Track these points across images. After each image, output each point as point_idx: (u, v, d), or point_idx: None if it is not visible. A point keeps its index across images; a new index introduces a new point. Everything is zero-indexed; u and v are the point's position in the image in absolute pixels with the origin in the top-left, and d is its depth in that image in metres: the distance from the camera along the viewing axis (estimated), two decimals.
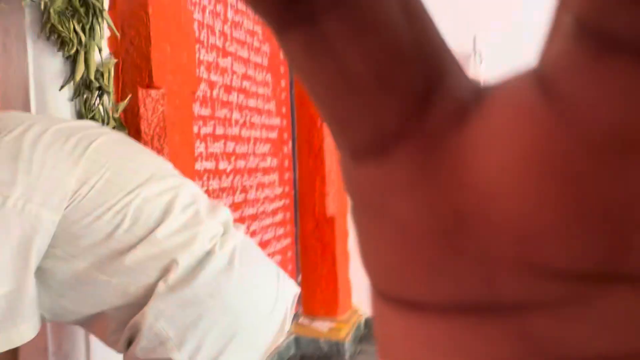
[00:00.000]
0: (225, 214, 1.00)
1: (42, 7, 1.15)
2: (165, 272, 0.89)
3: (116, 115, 1.32)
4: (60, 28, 1.16)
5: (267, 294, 1.04)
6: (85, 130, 0.93)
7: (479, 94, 0.10)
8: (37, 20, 1.18)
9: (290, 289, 1.09)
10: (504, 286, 0.09)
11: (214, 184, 1.93)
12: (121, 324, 0.93)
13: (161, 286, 0.88)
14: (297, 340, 2.85)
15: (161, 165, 1.00)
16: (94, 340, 1.29)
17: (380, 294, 0.11)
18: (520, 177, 0.09)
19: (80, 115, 1.25)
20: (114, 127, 1.29)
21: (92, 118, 1.25)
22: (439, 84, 0.10)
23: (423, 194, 0.10)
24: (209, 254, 0.92)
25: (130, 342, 0.92)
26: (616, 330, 0.09)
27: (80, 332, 1.27)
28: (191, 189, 0.98)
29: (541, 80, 0.09)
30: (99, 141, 0.89)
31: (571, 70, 0.08)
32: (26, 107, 1.20)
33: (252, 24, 2.28)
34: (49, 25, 1.16)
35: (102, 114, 1.27)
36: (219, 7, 1.96)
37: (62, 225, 0.85)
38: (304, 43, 0.10)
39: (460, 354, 0.10)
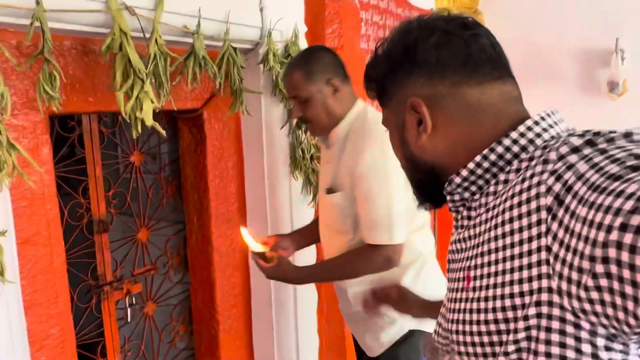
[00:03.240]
0: None
1: (273, 75, 1.70)
2: None
3: (313, 142, 1.86)
4: (284, 91, 1.70)
5: None
6: None
7: None
8: (268, 83, 1.74)
9: None
10: None
11: None
12: None
13: None
14: None
15: None
16: (300, 295, 1.91)
17: None
18: None
19: (293, 146, 1.81)
20: (312, 153, 1.84)
21: (300, 146, 1.81)
22: None
23: None
24: None
25: None
26: None
27: (291, 289, 1.89)
28: None
29: None
30: None
31: None
32: (260, 140, 1.79)
33: None
34: (277, 88, 1.71)
35: (306, 143, 1.82)
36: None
37: None
38: None
39: None
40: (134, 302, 1.72)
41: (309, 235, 1.66)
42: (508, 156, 0.61)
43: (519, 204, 0.54)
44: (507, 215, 0.56)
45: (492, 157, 0.61)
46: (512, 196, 0.56)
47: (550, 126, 0.61)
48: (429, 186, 0.71)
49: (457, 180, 0.64)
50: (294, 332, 1.92)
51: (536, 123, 0.61)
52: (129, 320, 1.71)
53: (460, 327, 0.62)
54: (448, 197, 0.68)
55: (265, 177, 1.81)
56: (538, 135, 0.60)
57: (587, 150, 0.50)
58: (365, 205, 1.33)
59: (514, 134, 0.61)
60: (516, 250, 0.54)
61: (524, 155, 0.59)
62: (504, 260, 0.56)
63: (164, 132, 1.27)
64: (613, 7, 2.68)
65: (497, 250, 0.57)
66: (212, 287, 1.82)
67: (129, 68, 1.20)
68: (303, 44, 1.80)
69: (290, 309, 1.90)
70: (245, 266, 1.91)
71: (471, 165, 0.63)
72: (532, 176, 0.54)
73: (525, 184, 0.54)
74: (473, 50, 0.63)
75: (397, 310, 1.18)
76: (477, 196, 0.64)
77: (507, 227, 0.56)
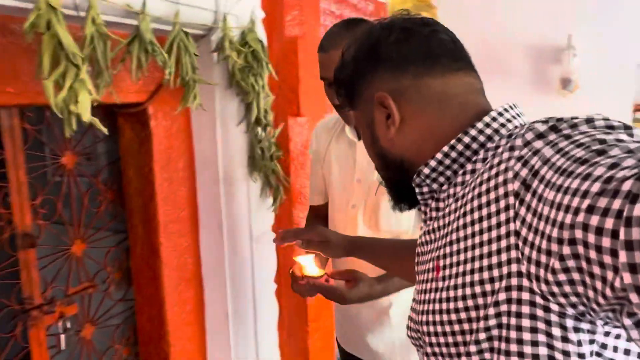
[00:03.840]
0: None
1: (230, 65, 1.51)
2: None
3: (273, 140, 1.69)
4: (243, 83, 1.52)
5: None
6: None
7: None
8: (222, 74, 1.55)
9: None
10: None
11: None
12: None
13: None
14: None
15: None
16: (260, 308, 1.74)
17: None
18: None
19: (251, 144, 1.63)
20: (272, 152, 1.67)
21: (259, 144, 1.63)
22: None
23: None
24: None
25: None
26: None
27: (250, 302, 1.72)
28: None
29: None
30: None
31: None
32: (214, 138, 1.60)
33: None
34: (234, 80, 1.53)
35: (265, 142, 1.65)
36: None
37: None
38: None
39: None
40: (68, 326, 1.48)
41: None
42: (475, 146, 0.62)
43: (487, 191, 0.55)
44: (475, 203, 0.57)
45: (459, 147, 0.63)
46: (480, 184, 0.57)
47: (514, 117, 0.63)
48: (401, 183, 0.72)
49: (426, 170, 0.66)
50: (254, 348, 1.75)
51: (500, 114, 0.63)
52: (63, 347, 1.48)
53: (431, 318, 0.62)
54: (417, 190, 0.69)
55: (221, 180, 1.62)
56: (503, 125, 0.62)
57: (552, 136, 0.51)
58: None
59: (479, 124, 0.62)
60: (485, 237, 0.55)
61: (490, 145, 0.61)
62: (473, 247, 0.56)
63: (105, 130, 1.06)
64: (565, 3, 2.69)
65: (465, 238, 0.58)
66: (161, 304, 1.62)
67: (59, 52, 0.99)
68: (261, 32, 1.62)
69: (250, 323, 1.73)
70: (198, 279, 1.71)
71: (439, 155, 0.64)
72: (499, 163, 0.55)
73: (493, 171, 0.55)
74: (433, 44, 0.66)
75: (326, 254, 1.12)
76: (445, 187, 0.65)
77: (476, 215, 0.56)
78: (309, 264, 1.16)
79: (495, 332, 0.53)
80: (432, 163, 0.64)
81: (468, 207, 0.58)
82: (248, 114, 1.59)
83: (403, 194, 0.74)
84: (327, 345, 2.00)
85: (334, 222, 1.37)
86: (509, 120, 0.62)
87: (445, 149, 0.63)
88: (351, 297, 1.12)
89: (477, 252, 0.55)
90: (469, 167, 0.62)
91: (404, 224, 1.26)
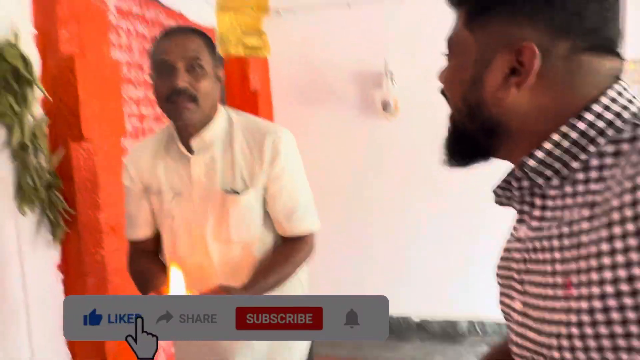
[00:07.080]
0: None
1: None
2: None
3: (51, 169, 1.50)
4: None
5: None
6: None
7: None
8: None
9: None
10: None
11: None
12: None
13: None
14: None
15: None
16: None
17: None
18: None
19: (19, 175, 1.42)
20: (49, 181, 1.48)
21: (30, 175, 1.43)
22: None
23: None
24: None
25: None
26: None
27: None
28: None
29: None
30: None
31: None
32: None
33: None
34: None
35: (38, 170, 1.45)
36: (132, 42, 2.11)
37: None
38: None
39: None
40: None
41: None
42: (592, 133, 0.53)
43: None
44: (628, 212, 0.47)
45: (573, 135, 0.54)
46: (635, 189, 0.47)
47: (630, 101, 0.55)
48: (475, 142, 0.62)
49: (532, 163, 0.56)
50: None
51: (619, 94, 0.54)
52: None
53: (577, 344, 0.51)
54: (515, 184, 0.59)
55: None
56: (625, 107, 0.54)
57: None
58: (290, 195, 1.24)
59: (596, 107, 0.54)
60: None
61: (611, 132, 0.53)
62: (627, 265, 0.47)
63: None
64: (379, 28, 2.86)
65: (613, 253, 0.47)
66: None
67: None
68: (28, 47, 1.44)
69: None
70: None
71: (548, 145, 0.55)
72: None
73: None
74: (609, 17, 0.55)
75: None
76: (555, 182, 0.56)
77: (631, 227, 0.46)
78: (178, 284, 0.99)
79: None
80: (540, 154, 0.55)
81: (616, 217, 0.48)
82: (10, 138, 1.39)
83: (467, 153, 0.64)
84: None
85: (174, 248, 1.24)
86: (630, 102, 0.54)
87: (556, 137, 0.54)
88: None
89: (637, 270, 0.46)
90: (582, 157, 0.53)
91: (253, 232, 1.23)
